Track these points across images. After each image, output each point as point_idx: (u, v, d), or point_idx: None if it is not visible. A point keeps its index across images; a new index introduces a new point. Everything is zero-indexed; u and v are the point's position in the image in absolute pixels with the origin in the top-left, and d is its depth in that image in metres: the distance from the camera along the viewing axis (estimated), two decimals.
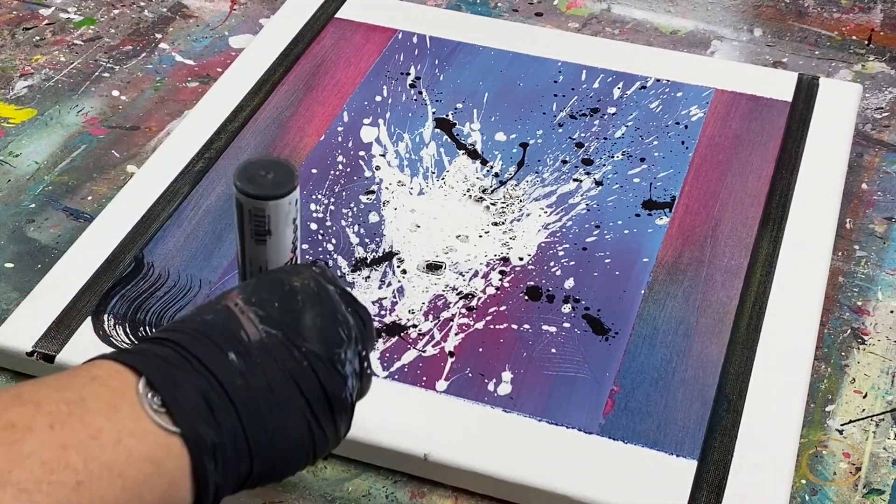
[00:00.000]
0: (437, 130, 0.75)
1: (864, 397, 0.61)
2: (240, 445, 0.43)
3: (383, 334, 0.62)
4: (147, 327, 0.62)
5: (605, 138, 0.74)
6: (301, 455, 0.46)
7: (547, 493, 0.55)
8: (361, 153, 0.74)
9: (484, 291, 0.65)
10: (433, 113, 0.77)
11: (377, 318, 0.63)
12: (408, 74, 0.80)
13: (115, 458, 0.40)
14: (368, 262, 0.67)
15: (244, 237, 0.50)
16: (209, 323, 0.45)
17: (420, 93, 0.78)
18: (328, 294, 0.47)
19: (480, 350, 0.61)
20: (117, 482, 0.40)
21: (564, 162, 0.73)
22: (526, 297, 0.64)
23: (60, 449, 0.39)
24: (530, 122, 0.76)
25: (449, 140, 0.75)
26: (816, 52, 0.84)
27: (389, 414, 0.58)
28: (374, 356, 0.61)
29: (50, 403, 0.40)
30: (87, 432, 0.40)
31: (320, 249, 0.67)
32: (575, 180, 0.71)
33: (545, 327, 0.63)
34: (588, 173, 0.72)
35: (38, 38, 0.88)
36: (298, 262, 0.52)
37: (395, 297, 0.64)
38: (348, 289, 0.48)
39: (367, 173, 0.72)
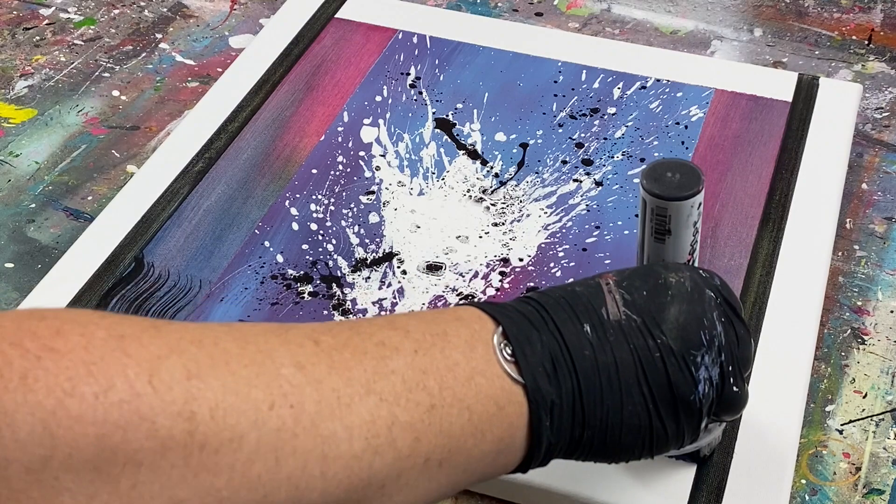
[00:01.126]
0: (437, 130, 0.75)
1: (864, 397, 0.62)
2: (576, 410, 0.44)
3: None
4: None
5: (605, 138, 0.74)
6: (636, 441, 0.46)
7: (547, 492, 0.55)
8: (361, 153, 0.74)
9: (484, 292, 0.65)
10: (433, 113, 0.77)
11: None
12: (408, 74, 0.80)
13: (466, 392, 0.43)
14: (368, 262, 0.67)
15: (645, 233, 0.51)
16: (576, 293, 0.47)
17: (420, 93, 0.78)
18: (702, 297, 0.47)
19: None
20: (465, 414, 0.42)
21: (564, 162, 0.73)
22: None
23: (420, 372, 0.42)
24: (530, 122, 0.76)
25: (449, 140, 0.75)
26: (816, 52, 0.84)
27: None
28: None
29: (417, 332, 0.43)
30: (445, 363, 0.43)
31: (320, 250, 0.67)
32: (575, 181, 0.71)
33: None
34: (588, 174, 0.72)
35: (38, 38, 0.88)
36: (695, 264, 0.53)
37: (395, 297, 0.64)
38: (733, 304, 0.48)
39: (367, 173, 0.72)
